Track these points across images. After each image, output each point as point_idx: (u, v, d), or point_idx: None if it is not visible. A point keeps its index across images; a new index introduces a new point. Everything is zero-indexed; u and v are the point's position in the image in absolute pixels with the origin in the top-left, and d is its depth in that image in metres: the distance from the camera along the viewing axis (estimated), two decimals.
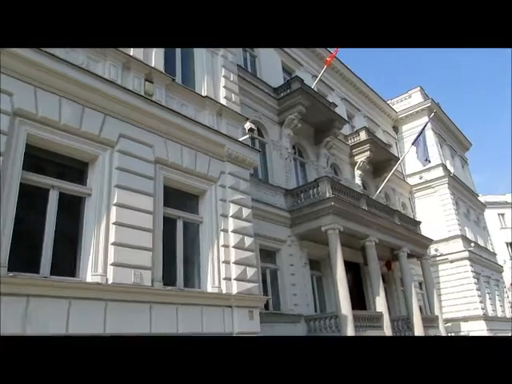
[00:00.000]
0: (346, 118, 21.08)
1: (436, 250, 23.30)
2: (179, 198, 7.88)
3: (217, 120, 8.99)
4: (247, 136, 9.05)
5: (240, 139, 9.06)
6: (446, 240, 23.31)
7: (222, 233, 8.02)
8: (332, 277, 13.10)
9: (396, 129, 26.86)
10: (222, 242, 7.95)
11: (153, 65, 8.00)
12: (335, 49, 16.96)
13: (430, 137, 25.47)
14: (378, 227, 15.19)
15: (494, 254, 29.35)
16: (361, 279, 17.12)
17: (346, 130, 20.61)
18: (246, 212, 8.63)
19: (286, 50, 17.87)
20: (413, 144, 18.94)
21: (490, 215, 44.73)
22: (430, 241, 19.57)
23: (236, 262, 7.97)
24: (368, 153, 19.02)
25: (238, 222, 8.35)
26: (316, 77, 19.22)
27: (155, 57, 8.17)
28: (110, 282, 5.93)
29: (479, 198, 32.14)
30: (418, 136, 18.51)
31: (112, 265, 6.04)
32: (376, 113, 25.14)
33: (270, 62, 16.66)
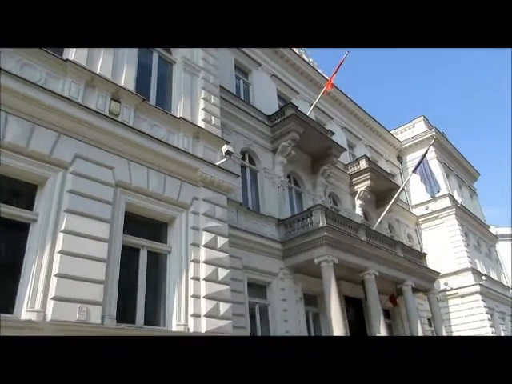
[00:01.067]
0: (346, 146, 20.58)
1: (445, 283, 22.06)
2: (144, 226, 7.23)
3: (192, 143, 8.45)
4: (224, 160, 8.46)
5: (217, 163, 8.47)
6: (456, 273, 22.08)
7: (192, 264, 7.29)
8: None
9: (400, 159, 26.19)
10: (191, 274, 7.21)
11: (122, 84, 7.56)
12: (332, 75, 16.61)
13: (436, 166, 24.71)
14: (378, 259, 14.27)
15: (509, 288, 27.82)
16: (363, 316, 16.03)
17: (346, 159, 20.07)
18: (221, 241, 7.92)
19: (282, 77, 17.60)
20: (413, 172, 18.20)
21: (504, 248, 43.18)
22: (437, 274, 18.45)
23: (207, 297, 7.19)
24: (368, 182, 18.29)
25: (211, 251, 7.63)
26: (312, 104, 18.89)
27: (125, 76, 7.76)
28: (48, 318, 5.21)
29: (492, 230, 30.90)
30: (419, 163, 17.77)
31: (53, 299, 5.33)
32: (379, 142, 24.57)
33: (265, 89, 16.33)
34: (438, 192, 18.33)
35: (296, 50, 19.81)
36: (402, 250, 16.52)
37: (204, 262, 7.43)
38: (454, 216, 23.32)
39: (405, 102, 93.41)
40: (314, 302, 13.85)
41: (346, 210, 17.83)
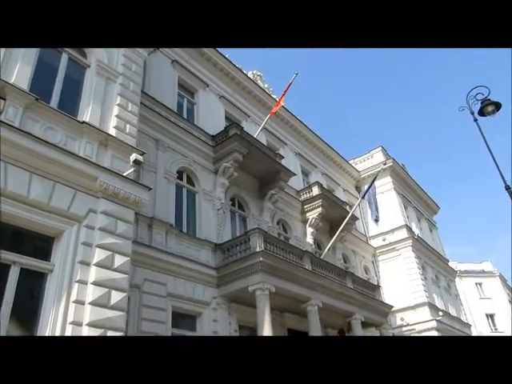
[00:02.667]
0: (299, 173, 20.10)
1: (402, 319, 21.29)
2: (21, 239, 6.20)
3: (98, 150, 7.58)
4: (132, 170, 7.60)
5: (125, 173, 7.60)
6: (413, 308, 21.37)
7: (76, 285, 6.27)
8: None
9: (359, 189, 25.84)
10: (74, 297, 6.17)
11: (12, 81, 6.71)
12: (280, 96, 16.23)
13: (393, 197, 24.50)
14: (323, 289, 13.43)
15: (469, 325, 27.26)
16: None
17: (300, 185, 19.55)
18: (120, 260, 6.94)
19: (232, 99, 17.13)
20: (362, 198, 17.74)
21: (467, 284, 43.21)
22: (390, 308, 17.68)
23: (92, 324, 6.13)
24: (320, 209, 17.66)
25: (104, 271, 6.63)
26: (265, 129, 18.40)
27: (18, 73, 6.90)
28: None
29: (455, 266, 30.64)
30: (367, 190, 17.33)
31: None
32: (336, 171, 24.24)
33: (212, 110, 15.72)
34: (377, 221, 17.78)
35: (250, 74, 19.54)
36: (353, 281, 15.75)
37: (93, 284, 6.42)
38: (410, 248, 22.85)
39: (368, 133, 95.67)
40: (252, 335, 12.76)
41: (296, 238, 17.07)
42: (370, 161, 26.62)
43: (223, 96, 16.59)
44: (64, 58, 8.16)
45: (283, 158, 16.75)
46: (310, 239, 17.64)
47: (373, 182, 17.59)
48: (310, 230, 17.81)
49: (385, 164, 22.71)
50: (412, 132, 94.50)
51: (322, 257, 15.89)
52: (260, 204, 15.63)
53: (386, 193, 24.70)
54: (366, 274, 22.21)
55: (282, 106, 20.22)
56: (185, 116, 14.33)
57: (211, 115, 15.48)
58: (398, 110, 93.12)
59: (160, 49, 14.11)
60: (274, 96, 20.00)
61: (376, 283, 21.51)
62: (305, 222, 18.08)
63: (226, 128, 14.53)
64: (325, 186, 21.19)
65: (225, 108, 16.52)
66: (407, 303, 21.49)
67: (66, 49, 8.22)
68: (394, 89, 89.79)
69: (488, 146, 10.76)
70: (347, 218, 17.26)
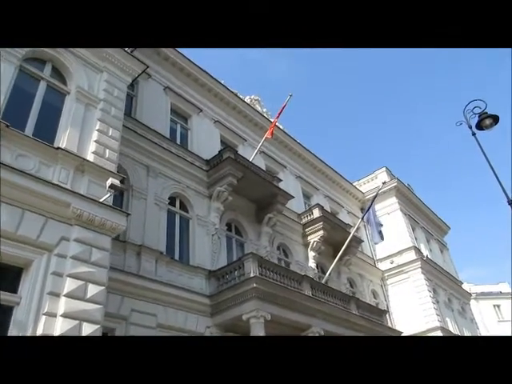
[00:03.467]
0: (301, 196, 19.74)
1: None
2: None
3: (73, 176, 7.38)
4: (108, 195, 7.33)
5: (101, 199, 7.34)
6: (425, 333, 20.37)
7: (44, 318, 5.92)
8: None
9: (364, 210, 25.25)
10: (40, 331, 5.81)
11: None
12: (275, 118, 16.07)
13: (399, 218, 23.89)
14: (324, 316, 12.82)
15: None
16: None
17: (302, 209, 19.13)
18: (93, 290, 6.59)
19: (227, 124, 16.98)
20: (362, 218, 17.24)
21: (484, 307, 41.66)
22: (399, 333, 16.88)
23: None
24: (322, 232, 17.16)
25: (75, 302, 6.28)
26: (264, 153, 18.23)
27: None
28: None
29: (469, 288, 29.53)
30: (367, 210, 16.86)
31: None
32: (339, 193, 23.78)
33: (207, 135, 15.54)
34: (381, 240, 17.20)
35: (248, 99, 19.50)
36: (357, 307, 15.09)
37: (62, 316, 6.06)
38: (419, 270, 22.04)
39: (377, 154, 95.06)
40: None
41: (298, 263, 16.53)
42: (374, 182, 26.16)
43: (218, 120, 16.46)
44: (42, 85, 8.11)
45: (281, 180, 16.42)
46: (312, 263, 17.08)
47: (372, 202, 17.12)
48: (311, 253, 17.28)
49: (384, 183, 22.18)
50: (414, 150, 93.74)
51: (324, 281, 15.31)
52: (258, 228, 15.22)
53: (392, 214, 24.14)
54: (375, 298, 21.42)
55: (281, 130, 20.14)
56: (178, 141, 14.18)
57: (206, 140, 15.30)
58: (402, 132, 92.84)
59: (152, 76, 14.12)
60: (272, 120, 19.87)
61: (385, 308, 20.75)
62: (306, 245, 17.56)
63: (220, 152, 14.31)
64: (328, 208, 20.76)
65: (220, 132, 16.36)
66: (419, 328, 20.54)
67: (44, 76, 8.18)
68: (395, 102, 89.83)
69: (488, 160, 10.30)
70: (347, 241, 16.71)
